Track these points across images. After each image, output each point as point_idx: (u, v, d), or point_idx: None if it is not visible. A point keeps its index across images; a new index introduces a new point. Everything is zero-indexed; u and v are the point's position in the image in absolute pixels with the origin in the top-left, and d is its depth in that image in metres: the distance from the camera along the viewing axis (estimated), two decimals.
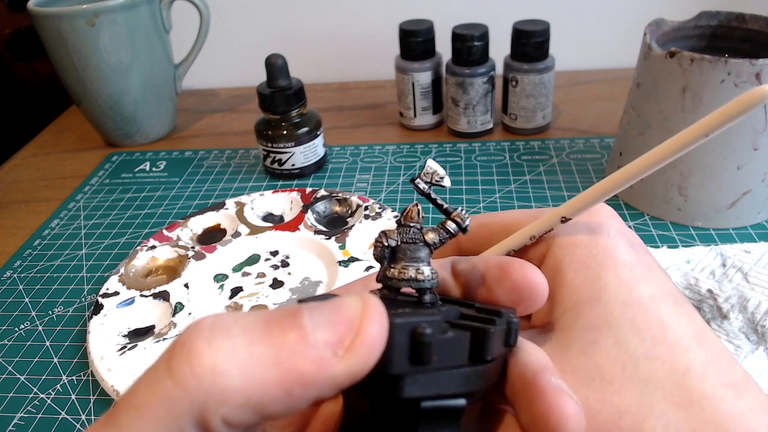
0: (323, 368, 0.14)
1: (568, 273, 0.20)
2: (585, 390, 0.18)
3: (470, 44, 0.58)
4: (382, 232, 0.17)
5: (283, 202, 0.55)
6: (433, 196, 0.18)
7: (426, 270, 0.17)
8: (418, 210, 0.18)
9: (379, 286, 0.18)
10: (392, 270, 0.17)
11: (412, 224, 0.18)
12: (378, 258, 0.18)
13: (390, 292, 0.18)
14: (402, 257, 0.17)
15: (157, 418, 0.13)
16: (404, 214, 0.18)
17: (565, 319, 0.19)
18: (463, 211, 0.18)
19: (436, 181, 0.18)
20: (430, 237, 0.18)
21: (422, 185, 0.18)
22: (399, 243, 0.17)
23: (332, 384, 0.14)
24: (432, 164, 0.18)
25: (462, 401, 0.16)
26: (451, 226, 0.18)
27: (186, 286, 0.45)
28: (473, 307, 0.18)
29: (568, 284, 0.20)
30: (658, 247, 0.46)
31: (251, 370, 0.13)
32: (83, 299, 0.47)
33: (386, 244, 0.17)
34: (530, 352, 0.18)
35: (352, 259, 0.46)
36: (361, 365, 0.14)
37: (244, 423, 0.13)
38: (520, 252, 0.22)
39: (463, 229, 0.18)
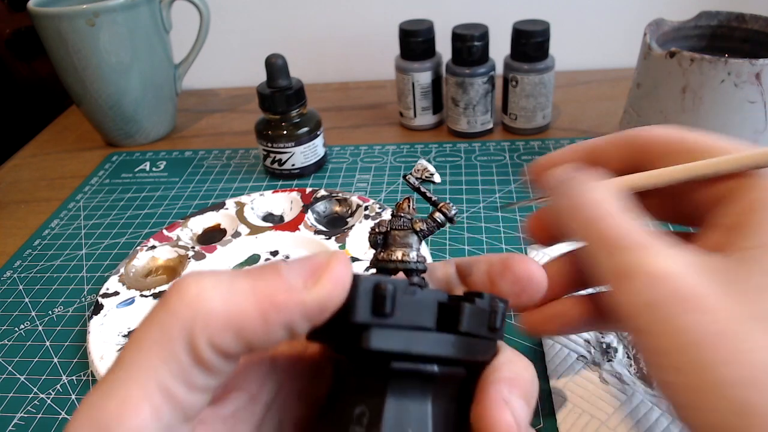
0: (294, 296, 0.15)
1: (762, 213, 0.20)
2: (755, 330, 0.17)
3: (470, 44, 0.58)
4: (378, 221, 0.20)
5: (283, 202, 0.55)
6: (422, 189, 0.20)
7: (412, 253, 0.19)
8: (409, 202, 0.20)
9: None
10: (382, 254, 0.19)
11: (402, 214, 0.20)
12: (372, 245, 0.19)
13: (380, 273, 0.19)
14: (392, 243, 0.19)
15: (154, 348, 0.15)
16: (397, 206, 0.20)
17: (747, 256, 0.19)
18: (451, 203, 0.20)
19: (426, 177, 0.20)
20: (419, 226, 0.20)
21: (412, 180, 0.20)
22: (389, 230, 0.19)
23: (302, 310, 0.16)
24: (424, 162, 0.20)
25: (434, 367, 0.17)
26: (438, 216, 0.20)
27: None
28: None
29: (758, 225, 0.20)
30: None
31: (231, 297, 0.15)
32: (83, 299, 0.47)
33: (378, 230, 0.19)
34: (502, 362, 0.19)
35: (352, 259, 0.46)
36: (326, 296, 0.16)
37: (228, 349, 0.15)
38: (709, 180, 0.22)
39: (450, 219, 0.20)
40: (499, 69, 0.62)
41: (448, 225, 0.20)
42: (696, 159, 0.22)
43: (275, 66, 0.56)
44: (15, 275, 0.51)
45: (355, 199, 0.53)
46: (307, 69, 0.78)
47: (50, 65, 0.65)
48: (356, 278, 0.16)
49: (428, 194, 0.20)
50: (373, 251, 0.20)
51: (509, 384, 0.18)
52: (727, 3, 0.62)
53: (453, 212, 0.20)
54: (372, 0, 0.78)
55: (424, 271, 0.19)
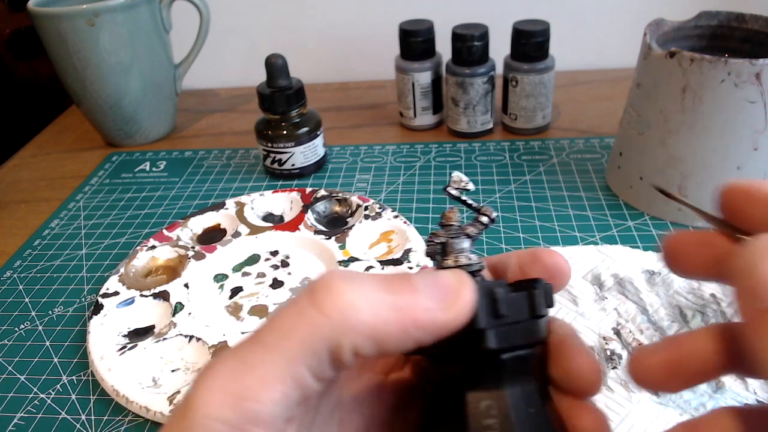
0: (432, 317, 0.17)
1: None
2: None
3: (470, 44, 0.58)
4: (432, 233, 0.22)
5: (283, 202, 0.55)
6: (463, 198, 0.22)
7: (473, 257, 0.21)
8: (455, 211, 0.22)
9: None
10: (447, 261, 0.21)
11: (452, 223, 0.21)
12: (431, 254, 0.22)
13: None
14: (451, 250, 0.21)
15: (300, 341, 0.16)
16: (444, 216, 0.22)
17: None
18: (490, 207, 0.22)
19: (464, 186, 0.22)
20: (470, 230, 0.22)
21: (454, 192, 0.22)
22: (447, 239, 0.21)
23: (435, 329, 0.17)
24: (458, 174, 0.22)
25: (529, 350, 0.20)
26: (483, 218, 0.22)
27: (186, 286, 0.45)
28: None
29: None
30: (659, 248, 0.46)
31: (379, 310, 0.16)
32: (83, 299, 0.47)
33: (437, 241, 0.21)
34: (559, 322, 0.21)
35: (352, 259, 0.46)
36: (459, 319, 0.18)
37: (366, 354, 0.17)
38: None
39: (492, 220, 0.22)
40: (499, 69, 0.62)
41: (490, 225, 0.22)
42: None
43: (275, 66, 0.56)
44: (15, 275, 0.51)
45: (355, 199, 0.53)
46: (307, 69, 0.78)
47: (50, 65, 0.65)
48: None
49: (469, 201, 0.22)
50: (433, 260, 0.22)
51: (575, 335, 0.21)
52: (727, 3, 0.62)
53: (494, 214, 0.22)
54: (372, 0, 0.78)
55: (482, 269, 0.21)
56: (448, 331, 0.18)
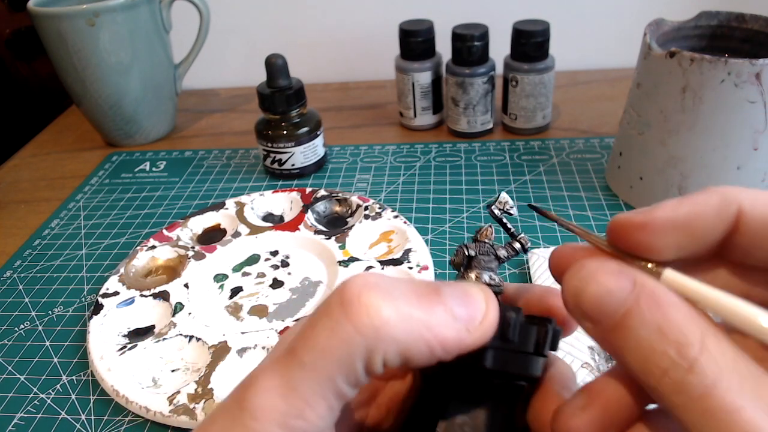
0: (459, 338, 0.18)
1: None
2: None
3: (470, 44, 0.58)
4: (464, 244, 0.22)
5: (283, 202, 0.55)
6: (504, 221, 0.22)
7: (497, 278, 0.21)
8: (492, 230, 0.22)
9: None
10: (470, 274, 0.21)
11: (486, 241, 0.22)
12: (457, 264, 0.22)
13: None
14: (476, 265, 0.21)
15: (337, 357, 0.16)
16: (480, 232, 0.22)
17: None
18: (527, 236, 0.22)
19: (507, 209, 0.22)
20: (501, 253, 0.22)
21: (497, 212, 0.22)
22: (476, 254, 0.21)
23: (459, 350, 0.18)
24: (505, 196, 0.22)
25: (521, 383, 0.20)
26: (516, 246, 0.22)
27: (186, 286, 0.45)
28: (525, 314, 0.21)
29: None
30: None
31: (410, 327, 0.17)
32: (83, 299, 0.47)
33: (467, 253, 0.21)
34: (561, 369, 0.21)
35: (352, 259, 0.46)
36: (481, 339, 0.18)
37: (393, 366, 0.17)
38: None
39: (525, 250, 0.22)
40: (499, 69, 0.62)
41: (520, 254, 0.22)
42: None
43: (275, 66, 0.56)
44: (15, 275, 0.51)
45: (355, 199, 0.53)
46: (307, 69, 0.78)
47: (50, 65, 0.65)
48: None
49: (508, 225, 0.22)
50: (455, 270, 0.22)
51: (573, 382, 0.21)
52: (727, 3, 0.62)
53: (528, 245, 0.22)
54: (372, 0, 0.78)
55: (501, 293, 0.21)
56: (467, 351, 0.18)
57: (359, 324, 0.16)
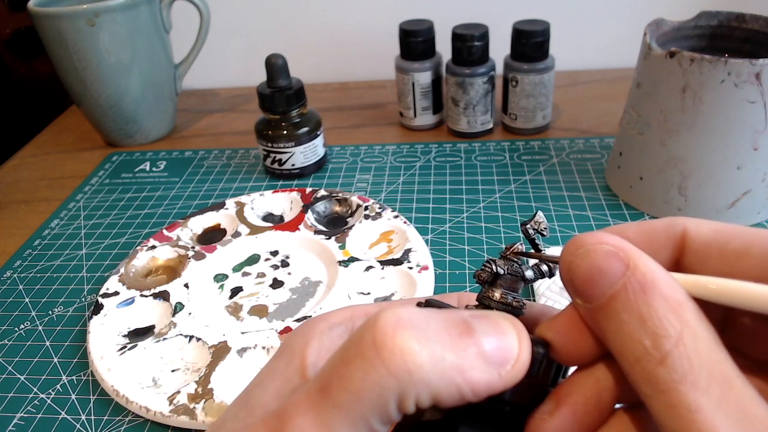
0: (490, 383, 0.17)
1: None
2: None
3: (470, 44, 0.58)
4: (491, 259, 0.21)
5: (283, 202, 0.55)
6: (536, 241, 0.21)
7: (522, 300, 0.21)
8: (522, 248, 0.21)
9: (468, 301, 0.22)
10: (495, 293, 0.21)
11: (515, 260, 0.21)
12: (482, 280, 0.21)
13: (482, 309, 0.21)
14: (502, 284, 0.21)
15: (371, 399, 0.16)
16: (510, 249, 0.21)
17: None
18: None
19: (541, 229, 0.21)
20: (528, 273, 0.21)
21: (531, 231, 0.21)
22: (505, 272, 0.21)
23: (488, 393, 0.17)
24: (542, 215, 0.22)
25: (530, 412, 0.19)
26: (544, 268, 0.21)
27: (186, 286, 0.45)
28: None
29: None
30: None
31: (443, 371, 0.17)
32: (83, 299, 0.47)
33: (494, 270, 0.21)
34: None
35: (352, 259, 0.46)
36: (511, 382, 0.18)
37: (424, 407, 0.17)
38: None
39: (552, 274, 0.22)
40: (499, 69, 0.62)
41: (546, 278, 0.22)
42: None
43: (275, 66, 0.56)
44: (15, 275, 0.51)
45: (355, 199, 0.53)
46: (307, 69, 0.78)
47: (50, 65, 0.65)
48: None
49: (540, 246, 0.22)
50: (480, 284, 0.22)
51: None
52: (727, 3, 0.62)
53: (557, 272, 0.22)
54: (372, 0, 0.78)
55: (522, 314, 0.21)
56: (495, 393, 0.18)
57: (393, 368, 0.16)
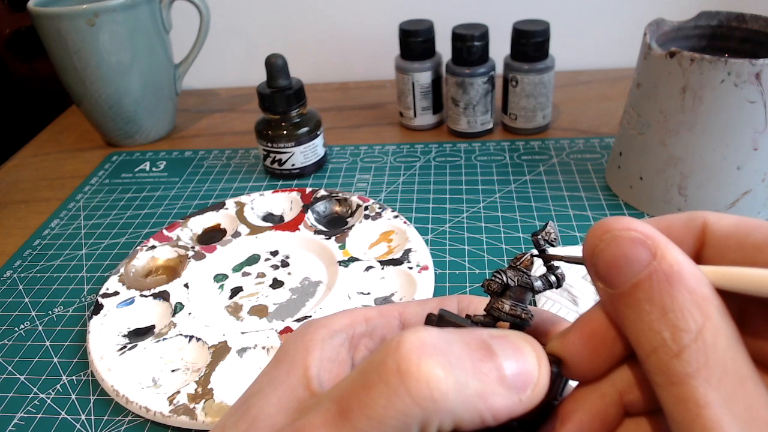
0: (511, 408, 0.17)
1: None
2: None
3: (470, 44, 0.58)
4: (501, 270, 0.21)
5: (283, 202, 0.55)
6: (546, 252, 0.21)
7: (530, 312, 0.21)
8: (532, 260, 0.21)
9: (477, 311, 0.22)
10: (504, 304, 0.21)
11: (525, 271, 0.21)
12: (492, 290, 0.21)
13: (491, 319, 0.21)
14: (511, 295, 0.21)
15: (393, 427, 0.16)
16: (520, 260, 0.21)
17: None
18: (561, 271, 0.22)
19: (551, 240, 0.21)
20: (537, 284, 0.21)
21: (542, 242, 0.21)
22: (514, 284, 0.21)
23: (508, 418, 0.17)
24: (553, 226, 0.22)
25: (536, 427, 0.20)
26: (552, 279, 0.21)
27: (186, 286, 0.45)
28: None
29: None
30: None
31: (467, 399, 0.16)
32: (83, 299, 0.47)
33: (504, 281, 0.21)
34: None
35: (352, 259, 0.46)
36: (530, 406, 0.17)
37: (444, 431, 0.17)
38: None
39: (560, 285, 0.22)
40: (499, 69, 0.62)
41: (554, 288, 0.22)
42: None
43: (275, 66, 0.56)
44: (15, 275, 0.51)
45: (355, 199, 0.53)
46: (307, 69, 0.78)
47: (50, 65, 0.65)
48: None
49: (549, 258, 0.22)
50: (488, 294, 0.21)
51: None
52: (727, 3, 0.62)
53: (564, 280, 0.22)
54: (372, 0, 0.78)
55: (529, 326, 0.21)
56: (515, 417, 0.18)
57: (418, 396, 0.16)
